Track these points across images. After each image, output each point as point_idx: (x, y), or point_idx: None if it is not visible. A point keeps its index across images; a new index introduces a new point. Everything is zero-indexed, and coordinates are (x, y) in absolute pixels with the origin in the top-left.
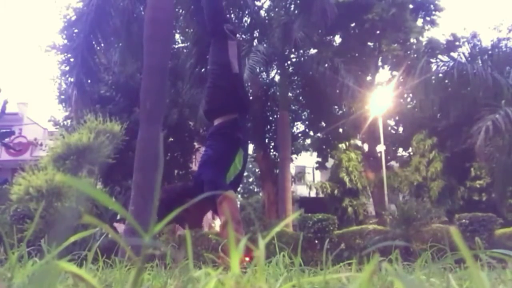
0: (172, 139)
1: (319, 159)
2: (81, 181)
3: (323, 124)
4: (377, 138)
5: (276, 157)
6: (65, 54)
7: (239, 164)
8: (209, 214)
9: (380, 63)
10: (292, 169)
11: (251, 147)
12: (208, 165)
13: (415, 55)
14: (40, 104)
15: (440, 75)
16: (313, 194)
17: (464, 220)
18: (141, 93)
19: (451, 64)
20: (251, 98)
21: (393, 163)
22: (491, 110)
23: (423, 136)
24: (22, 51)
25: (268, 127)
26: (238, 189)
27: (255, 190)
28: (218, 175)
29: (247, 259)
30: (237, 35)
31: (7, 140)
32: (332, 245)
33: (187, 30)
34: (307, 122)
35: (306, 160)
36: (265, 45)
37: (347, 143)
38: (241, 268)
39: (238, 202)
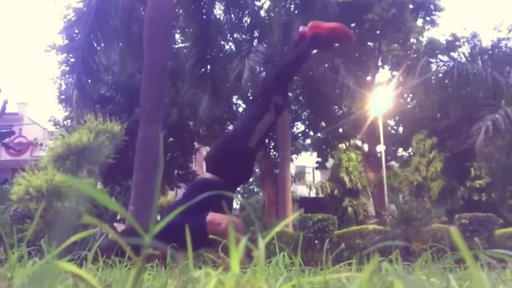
0: (172, 139)
1: (319, 159)
2: (81, 181)
3: (323, 124)
4: (377, 138)
5: (276, 157)
6: (65, 54)
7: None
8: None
9: (380, 63)
10: (292, 169)
11: None
12: (177, 209)
13: (415, 55)
14: (40, 104)
15: (440, 75)
16: (313, 194)
17: (464, 220)
18: (141, 93)
19: (451, 64)
20: (251, 98)
21: (393, 163)
22: (491, 110)
23: (423, 136)
24: (22, 51)
25: None
26: (238, 189)
27: (255, 190)
28: (190, 218)
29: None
30: (281, 113)
31: (7, 140)
32: (332, 245)
33: (187, 30)
34: (307, 122)
35: (306, 160)
36: (265, 45)
37: (347, 143)
38: (241, 268)
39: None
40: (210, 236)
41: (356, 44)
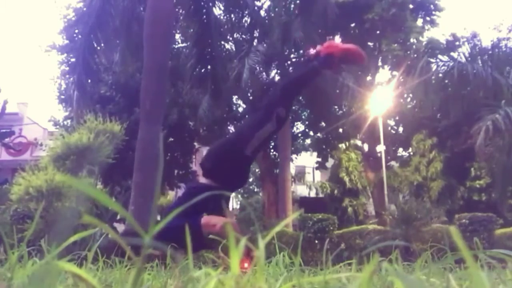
0: (172, 139)
1: (319, 159)
2: (81, 181)
3: (323, 124)
4: (377, 138)
5: (276, 157)
6: (65, 54)
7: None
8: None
9: (380, 63)
10: (292, 169)
11: None
12: (175, 211)
13: (415, 55)
14: (40, 104)
15: (440, 75)
16: (313, 194)
17: (464, 220)
18: (141, 93)
19: (451, 64)
20: (251, 98)
21: (393, 163)
22: (491, 110)
23: (423, 136)
24: (22, 51)
25: None
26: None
27: (255, 190)
28: (186, 221)
29: (246, 265)
30: (282, 125)
31: (7, 140)
32: (332, 245)
33: (187, 30)
34: (307, 122)
35: (306, 160)
36: (265, 45)
37: (347, 143)
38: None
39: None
40: (208, 237)
41: (356, 44)
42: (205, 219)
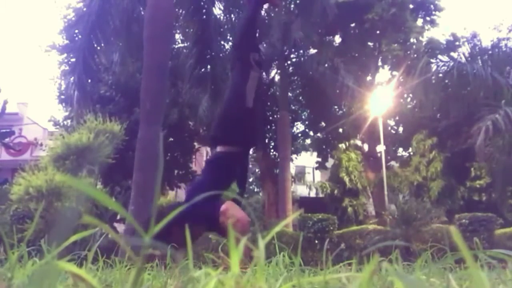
0: (172, 139)
1: (319, 159)
2: (81, 181)
3: (323, 124)
4: (377, 138)
5: (276, 157)
6: (65, 54)
7: (234, 191)
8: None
9: (380, 63)
10: (292, 169)
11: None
12: (199, 192)
13: (415, 55)
14: (40, 104)
15: (440, 75)
16: (313, 194)
17: (464, 220)
18: (141, 93)
19: (451, 64)
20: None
21: (393, 163)
22: (491, 110)
23: (423, 136)
24: (22, 51)
25: (268, 127)
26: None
27: (255, 190)
28: (207, 201)
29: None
30: (262, 66)
31: (7, 140)
32: (332, 245)
33: (187, 30)
34: (307, 122)
35: (306, 160)
36: (265, 45)
37: (347, 143)
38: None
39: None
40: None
41: (356, 44)
42: (225, 206)
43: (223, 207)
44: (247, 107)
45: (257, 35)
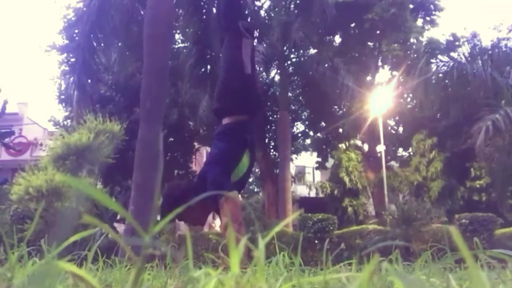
0: (172, 139)
1: (319, 159)
2: (81, 181)
3: (323, 124)
4: (377, 138)
5: (276, 157)
6: (65, 54)
7: (245, 165)
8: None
9: (380, 63)
10: (292, 169)
11: None
12: (213, 164)
13: (415, 55)
14: (40, 104)
15: (440, 75)
16: (313, 194)
17: (464, 220)
18: (141, 93)
19: (451, 64)
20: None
21: (393, 163)
22: (491, 110)
23: (423, 136)
24: (22, 51)
25: (268, 127)
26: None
27: (255, 190)
28: (223, 175)
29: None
30: (255, 32)
31: (7, 140)
32: (332, 245)
33: (187, 30)
34: (307, 122)
35: (306, 160)
36: (265, 45)
37: (347, 143)
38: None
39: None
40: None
41: (356, 44)
42: (224, 200)
43: (222, 200)
44: (246, 74)
45: (241, 3)
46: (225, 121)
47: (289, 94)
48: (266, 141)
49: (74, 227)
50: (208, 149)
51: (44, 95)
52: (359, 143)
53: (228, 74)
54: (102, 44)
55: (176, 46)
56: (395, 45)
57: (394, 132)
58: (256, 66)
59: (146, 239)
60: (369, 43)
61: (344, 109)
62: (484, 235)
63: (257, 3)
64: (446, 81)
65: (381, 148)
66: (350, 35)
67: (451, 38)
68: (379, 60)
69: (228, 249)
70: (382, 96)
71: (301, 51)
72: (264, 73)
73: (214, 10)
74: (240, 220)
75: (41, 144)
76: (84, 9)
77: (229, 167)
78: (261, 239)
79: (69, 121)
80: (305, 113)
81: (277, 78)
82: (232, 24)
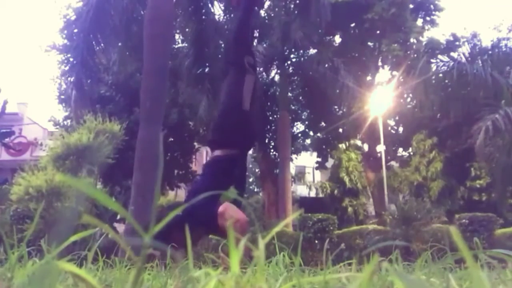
0: (172, 139)
1: (319, 159)
2: (81, 181)
3: (323, 124)
4: (377, 138)
5: (276, 157)
6: (65, 54)
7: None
8: None
9: (380, 63)
10: (292, 169)
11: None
12: (198, 194)
13: (415, 55)
14: (40, 104)
15: (440, 75)
16: (313, 194)
17: (464, 220)
18: (141, 93)
19: (451, 64)
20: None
21: (393, 163)
22: (491, 110)
23: (423, 136)
24: (22, 51)
25: (268, 127)
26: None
27: (255, 190)
28: (205, 204)
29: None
30: (257, 69)
31: (7, 140)
32: (332, 245)
33: (186, 30)
34: (307, 122)
35: (306, 160)
36: (265, 45)
37: (347, 143)
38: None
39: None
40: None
41: (356, 44)
42: (223, 208)
43: (220, 209)
44: (244, 110)
45: (250, 38)
46: (216, 153)
47: (289, 94)
48: (266, 141)
49: (74, 227)
50: (208, 149)
51: (44, 95)
52: (359, 143)
53: (226, 109)
54: (102, 44)
55: (176, 46)
56: (395, 45)
57: (394, 132)
58: (256, 101)
59: (146, 239)
60: (369, 43)
61: (344, 109)
62: (484, 235)
63: None
64: (446, 81)
65: (381, 148)
66: (350, 35)
67: (451, 38)
68: (379, 60)
69: (228, 249)
70: (382, 96)
71: (301, 51)
72: (264, 73)
73: (214, 10)
74: (243, 217)
75: (41, 144)
76: (84, 8)
77: (214, 197)
78: (261, 239)
79: (69, 121)
80: (305, 113)
81: (277, 78)
82: (238, 59)
